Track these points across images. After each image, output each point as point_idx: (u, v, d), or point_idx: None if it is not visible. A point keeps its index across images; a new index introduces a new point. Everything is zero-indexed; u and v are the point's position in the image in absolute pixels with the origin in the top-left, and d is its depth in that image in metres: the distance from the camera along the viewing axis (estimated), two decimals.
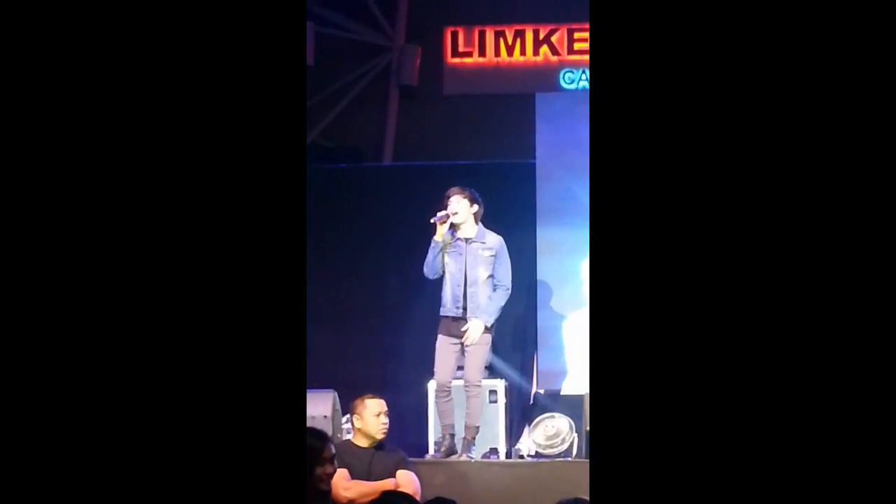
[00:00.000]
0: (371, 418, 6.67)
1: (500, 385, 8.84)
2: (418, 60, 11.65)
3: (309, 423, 7.23)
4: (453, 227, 7.94)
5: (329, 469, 4.57)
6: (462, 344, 7.87)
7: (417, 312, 9.69)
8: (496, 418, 8.69)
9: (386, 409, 6.81)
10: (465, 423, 7.84)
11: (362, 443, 6.67)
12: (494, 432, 8.59)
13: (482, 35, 11.58)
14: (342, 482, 6.44)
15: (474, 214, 7.93)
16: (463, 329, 7.84)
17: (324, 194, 9.53)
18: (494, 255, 7.91)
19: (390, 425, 6.96)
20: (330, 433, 7.20)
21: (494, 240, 7.97)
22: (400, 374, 9.62)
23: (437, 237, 7.89)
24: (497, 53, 11.53)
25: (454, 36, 11.65)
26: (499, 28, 11.47)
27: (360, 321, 9.39)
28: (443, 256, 7.91)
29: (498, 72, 11.36)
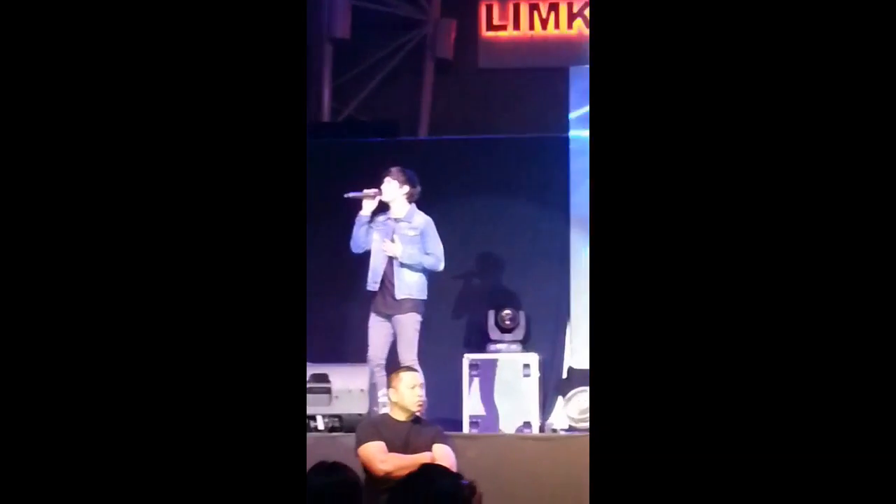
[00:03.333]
0: (406, 391, 6.74)
1: (533, 359, 8.90)
2: (453, 34, 11.68)
3: (345, 398, 7.37)
4: (385, 206, 8.07)
5: None
6: (391, 322, 7.98)
7: (453, 286, 9.77)
8: (530, 392, 8.76)
9: (421, 381, 6.87)
10: None
11: (399, 416, 6.73)
12: (528, 406, 8.66)
13: (517, 8, 11.60)
14: (379, 455, 6.50)
15: (406, 195, 8.04)
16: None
17: (359, 168, 9.59)
18: (420, 234, 8.00)
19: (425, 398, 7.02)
20: (367, 407, 7.32)
21: (421, 220, 8.08)
22: (435, 348, 9.69)
23: (363, 212, 8.01)
24: (531, 27, 11.54)
25: (489, 9, 11.66)
26: (533, 1, 11.48)
27: None
28: (367, 232, 8.05)
29: (532, 45, 11.38)
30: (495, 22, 11.65)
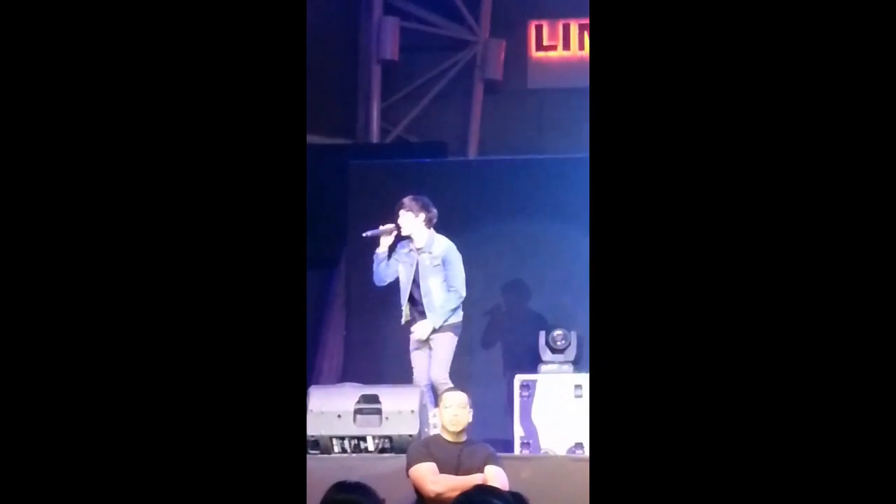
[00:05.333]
0: (444, 410, 6.71)
1: (585, 379, 8.82)
2: (502, 54, 11.67)
3: (395, 418, 7.32)
4: (407, 237, 8.04)
5: None
6: (429, 346, 7.98)
7: (503, 305, 9.72)
8: (581, 413, 8.67)
9: (461, 401, 6.76)
10: None
11: (448, 436, 6.68)
12: (580, 427, 8.58)
13: (566, 28, 11.57)
14: (430, 476, 6.45)
15: (424, 222, 8.01)
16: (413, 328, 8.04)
17: (408, 189, 9.57)
18: (442, 263, 7.97)
19: (476, 419, 6.96)
20: (418, 428, 7.26)
21: (441, 247, 8.03)
22: (486, 369, 9.64)
23: (379, 249, 8.02)
24: (581, 46, 11.50)
25: (538, 29, 11.65)
26: (583, 21, 11.44)
27: None
28: (387, 266, 8.02)
29: (583, 65, 11.30)
30: (545, 42, 11.63)
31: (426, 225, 8.03)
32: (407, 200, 8.04)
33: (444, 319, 7.96)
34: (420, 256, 8.02)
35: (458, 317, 8.06)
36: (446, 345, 7.97)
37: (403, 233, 8.01)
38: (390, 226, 7.99)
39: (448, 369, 7.92)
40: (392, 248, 8.05)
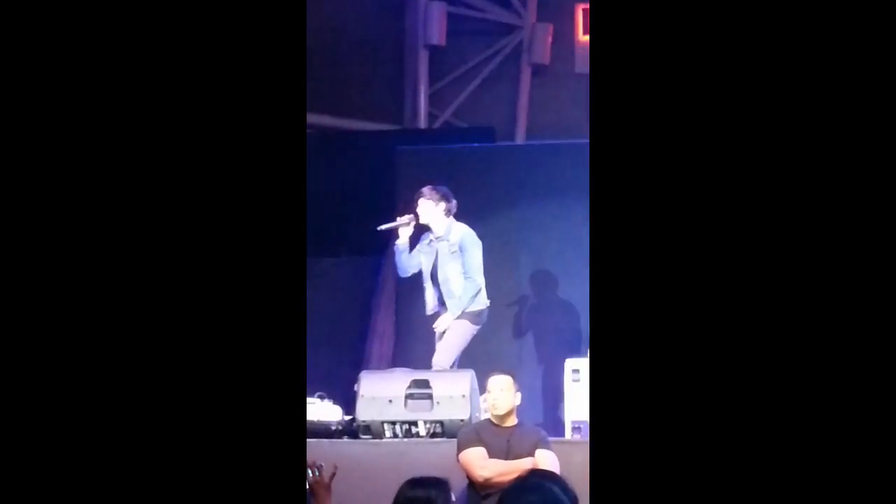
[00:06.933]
0: (487, 395, 6.73)
1: None
2: (549, 38, 11.65)
3: (447, 403, 7.32)
4: (426, 227, 8.10)
5: None
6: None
7: (553, 290, 9.71)
8: None
9: (503, 384, 6.74)
10: None
11: (496, 420, 6.69)
12: None
13: None
14: (479, 461, 6.46)
15: (444, 211, 8.05)
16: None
17: (457, 174, 9.58)
18: (459, 249, 8.00)
19: (526, 404, 6.95)
20: (469, 412, 7.28)
21: (458, 234, 8.06)
22: (536, 352, 9.64)
23: (399, 240, 8.08)
24: None
25: (585, 13, 11.61)
26: None
27: (495, 299, 9.39)
28: (409, 257, 8.09)
29: None
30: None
31: (445, 214, 8.07)
32: (426, 190, 8.09)
33: (462, 308, 7.99)
34: (439, 245, 8.08)
35: (479, 304, 8.07)
36: (459, 332, 8.01)
37: (422, 221, 8.06)
38: (407, 217, 8.06)
39: (454, 356, 7.98)
40: (415, 240, 8.11)
